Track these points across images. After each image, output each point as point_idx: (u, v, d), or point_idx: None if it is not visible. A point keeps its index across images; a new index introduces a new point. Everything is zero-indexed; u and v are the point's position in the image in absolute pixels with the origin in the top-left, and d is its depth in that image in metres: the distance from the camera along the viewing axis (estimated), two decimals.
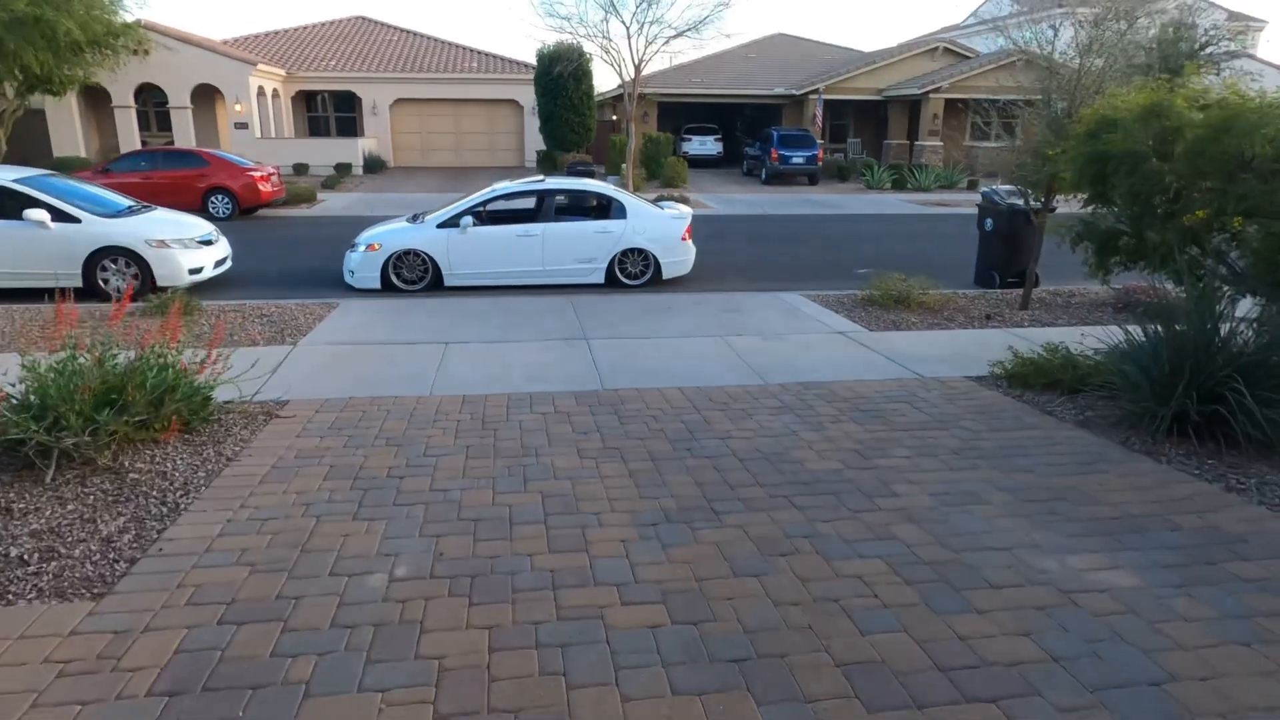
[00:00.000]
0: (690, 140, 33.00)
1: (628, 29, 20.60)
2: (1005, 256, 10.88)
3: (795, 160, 26.59)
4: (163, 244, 9.61)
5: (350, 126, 32.59)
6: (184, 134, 26.91)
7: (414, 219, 10.72)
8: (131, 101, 26.68)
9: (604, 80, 29.58)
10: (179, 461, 4.60)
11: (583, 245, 10.51)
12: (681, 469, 4.59)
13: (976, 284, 11.28)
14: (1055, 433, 5.28)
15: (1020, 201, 10.01)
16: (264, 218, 18.33)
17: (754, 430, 5.27)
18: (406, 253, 10.28)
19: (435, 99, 31.81)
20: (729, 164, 32.99)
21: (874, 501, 4.16)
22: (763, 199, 22.98)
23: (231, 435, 5.08)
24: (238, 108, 26.91)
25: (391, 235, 10.40)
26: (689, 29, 21.12)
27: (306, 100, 32.80)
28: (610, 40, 20.79)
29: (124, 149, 25.03)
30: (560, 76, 25.10)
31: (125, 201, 10.63)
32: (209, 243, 10.25)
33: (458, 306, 9.22)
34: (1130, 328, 5.62)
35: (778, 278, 11.74)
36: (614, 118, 32.99)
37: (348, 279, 10.39)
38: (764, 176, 27.36)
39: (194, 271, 9.88)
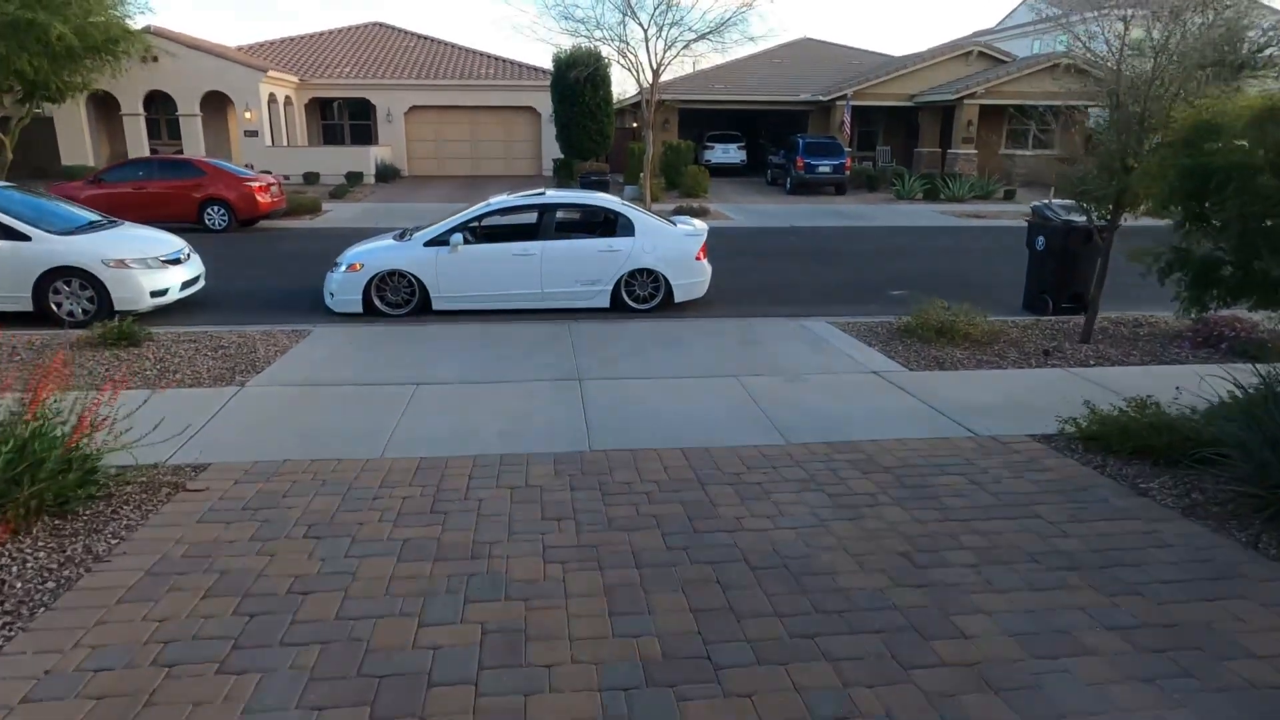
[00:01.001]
0: (713, 148, 31.93)
1: (645, 32, 19.63)
2: (1059, 279, 9.69)
3: (821, 169, 25.43)
4: (121, 264, 8.71)
5: (365, 134, 31.91)
6: (193, 142, 26.33)
7: (401, 236, 9.75)
8: (141, 109, 26.14)
9: (624, 86, 28.54)
10: (29, 564, 3.60)
11: (585, 265, 9.47)
12: (674, 583, 3.51)
13: (1026, 309, 10.10)
14: (1159, 525, 4.12)
15: (1079, 217, 8.83)
16: (264, 229, 17.52)
17: (771, 517, 4.18)
18: (391, 273, 9.30)
19: (451, 106, 31.03)
20: (753, 173, 31.88)
21: (933, 648, 3.05)
22: (787, 210, 21.86)
23: (118, 518, 4.08)
24: (247, 115, 26.27)
25: (374, 254, 9.43)
26: (710, 31, 20.10)
27: (321, 108, 32.18)
28: (628, 44, 19.69)
29: (133, 157, 24.39)
30: (576, 82, 24.16)
31: (89, 216, 9.77)
32: (176, 261, 9.34)
33: (441, 336, 8.21)
34: (1227, 371, 4.45)
35: (803, 300, 10.62)
36: (634, 125, 32.02)
37: (328, 301, 9.43)
38: (789, 186, 26.22)
39: (157, 294, 8.97)
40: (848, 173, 25.79)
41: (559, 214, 9.92)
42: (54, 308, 8.66)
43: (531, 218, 9.85)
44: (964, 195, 24.19)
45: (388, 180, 27.95)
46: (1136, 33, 7.68)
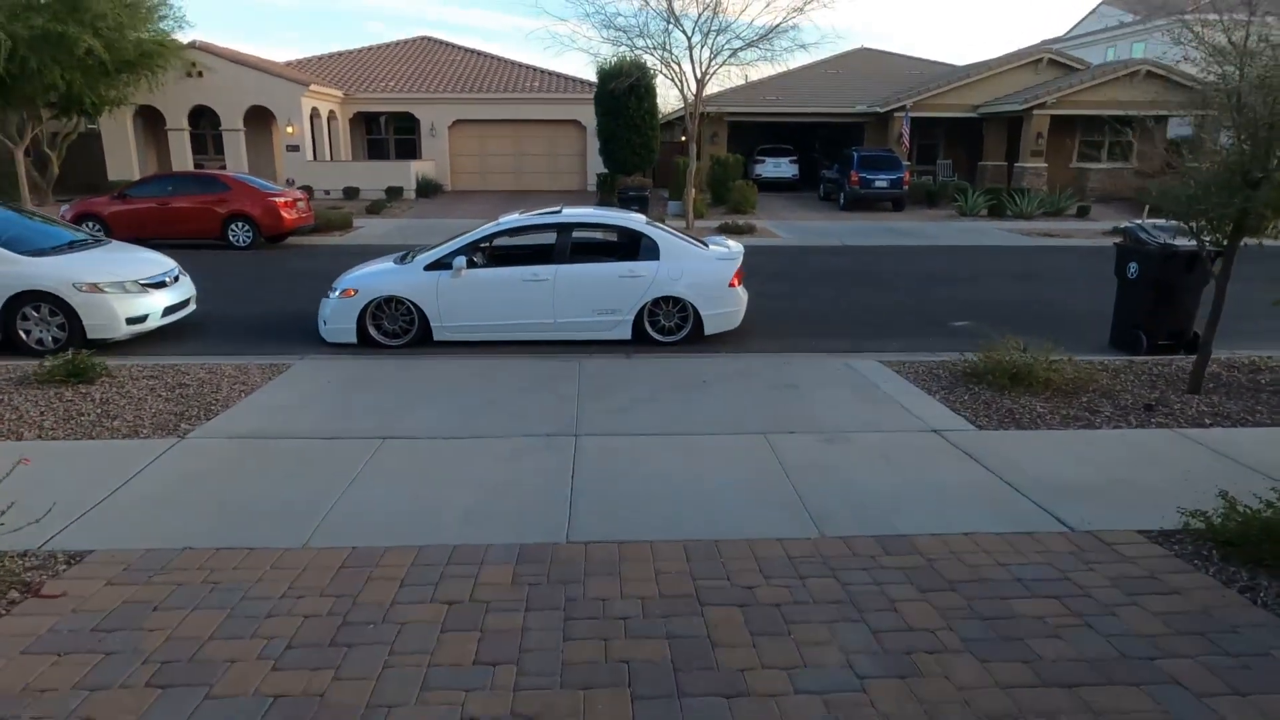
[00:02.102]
0: (763, 162, 30.70)
1: (690, 40, 18.60)
2: (1155, 312, 8.30)
3: (878, 183, 24.02)
4: (94, 288, 7.95)
5: (410, 149, 31.53)
6: (236, 157, 26.19)
7: (402, 258, 8.83)
8: (185, 124, 26.11)
9: (671, 98, 27.51)
10: None
11: (604, 292, 8.41)
12: None
13: (1114, 346, 8.70)
14: None
15: (1184, 240, 7.45)
16: (289, 247, 16.94)
17: (790, 669, 3.01)
18: (387, 300, 8.37)
19: (494, 120, 30.46)
20: (805, 188, 30.54)
21: None
22: (840, 227, 20.52)
23: None
24: (289, 130, 26.02)
25: (370, 279, 8.52)
26: (758, 40, 18.95)
27: (366, 122, 31.95)
28: (671, 53, 18.67)
29: (157, 172, 24.23)
30: (619, 93, 23.24)
31: (72, 235, 9.08)
32: (160, 285, 8.56)
33: (430, 374, 7.22)
34: None
35: (851, 332, 9.37)
36: (683, 139, 30.99)
37: (321, 330, 8.55)
38: (842, 201, 24.86)
39: (134, 321, 8.19)
40: (906, 187, 24.33)
41: (575, 234, 8.88)
42: (22, 335, 7.94)
43: (545, 239, 8.83)
44: (1032, 212, 22.52)
45: (428, 195, 27.42)
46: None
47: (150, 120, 26.95)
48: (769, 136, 31.99)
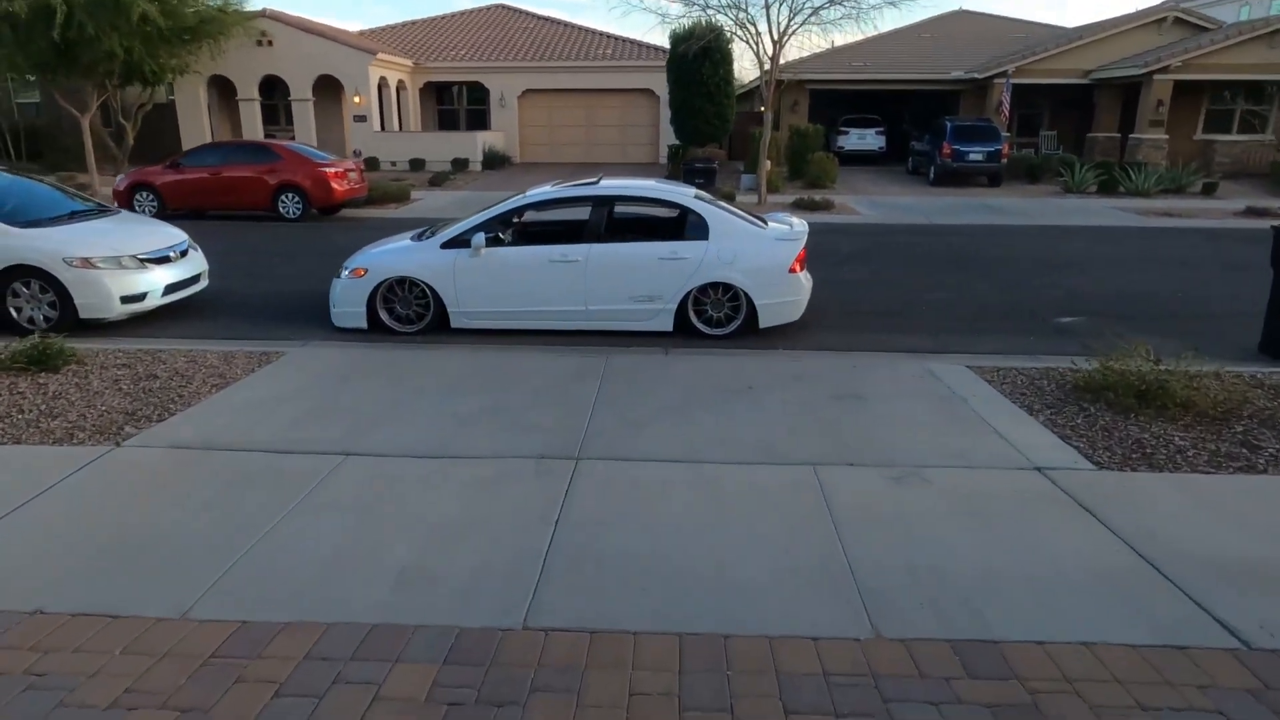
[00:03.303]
0: (847, 134, 28.79)
1: None
2: None
3: (973, 156, 21.97)
4: (86, 263, 7.28)
5: (481, 120, 30.82)
6: (305, 127, 25.96)
7: (421, 235, 7.89)
8: (256, 94, 26.00)
9: (749, 66, 25.93)
10: None
11: (642, 276, 7.28)
12: None
13: (1265, 353, 7.09)
14: None
15: None
16: (341, 219, 16.32)
17: None
18: (400, 281, 7.45)
19: (565, 89, 29.42)
20: (894, 161, 28.49)
21: None
22: (927, 204, 18.75)
23: None
24: (356, 99, 25.61)
25: (381, 257, 7.61)
26: None
27: (437, 93, 31.38)
28: (746, 12, 17.23)
29: (211, 141, 24.06)
30: (689, 57, 21.84)
31: (77, 205, 8.45)
32: (163, 260, 7.86)
33: (432, 369, 6.26)
34: None
35: (933, 327, 7.98)
36: (761, 109, 29.35)
37: (331, 314, 7.70)
38: (932, 176, 22.90)
39: (130, 300, 7.50)
40: (1004, 161, 22.18)
41: (613, 209, 7.77)
42: (13, 314, 7.35)
43: (579, 213, 7.74)
44: (1150, 189, 20.17)
45: (495, 167, 26.67)
46: None
47: (223, 90, 26.95)
48: (854, 106, 29.98)
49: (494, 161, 26.75)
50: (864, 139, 28.75)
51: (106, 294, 7.34)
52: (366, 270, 7.47)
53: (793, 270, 7.34)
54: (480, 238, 7.25)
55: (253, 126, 25.97)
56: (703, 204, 7.48)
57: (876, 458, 4.57)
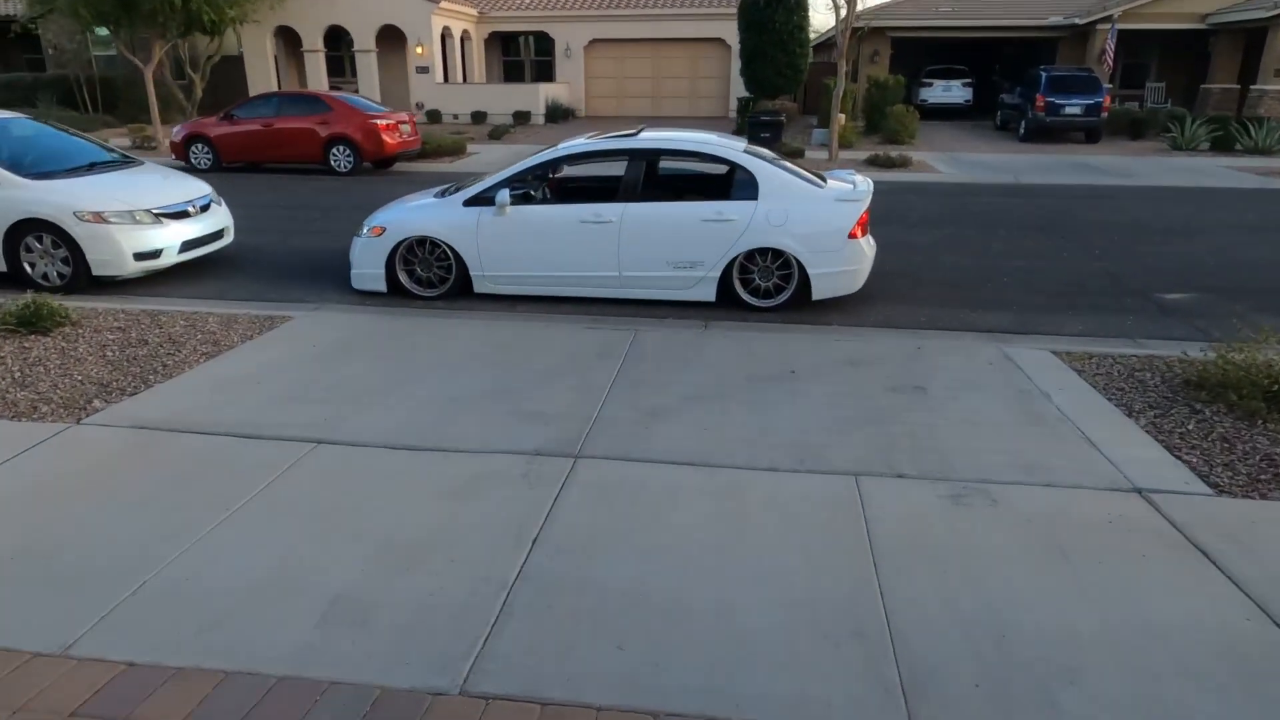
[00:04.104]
0: (931, 85, 26.96)
1: None
2: None
3: (1069, 110, 20.15)
4: (98, 218, 6.92)
5: (548, 72, 30.01)
6: (368, 79, 25.66)
7: (444, 192, 7.28)
8: (321, 45, 25.76)
9: (825, 12, 24.36)
10: None
11: (682, 239, 6.54)
12: None
13: None
14: None
15: None
16: (394, 173, 15.89)
17: None
18: (420, 241, 6.88)
19: (632, 39, 28.31)
20: (982, 115, 26.55)
21: None
22: (1016, 161, 17.24)
23: None
24: (418, 50, 25.12)
25: (400, 215, 7.04)
26: None
27: (503, 43, 30.65)
28: None
29: (265, 91, 23.86)
30: (764, 3, 20.53)
31: (100, 155, 8.12)
32: (182, 215, 7.47)
33: (443, 340, 5.68)
34: None
35: (1017, 302, 7.01)
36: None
37: (351, 275, 7.20)
38: (1023, 131, 21.16)
39: (144, 256, 7.14)
40: (1104, 115, 20.29)
41: (653, 164, 7.03)
42: (27, 269, 7.07)
43: (614, 169, 7.00)
44: (1272, 146, 18.12)
45: (558, 121, 25.92)
46: None
47: (289, 42, 26.81)
48: (940, 56, 28.05)
49: (557, 114, 26.00)
50: (949, 91, 26.89)
51: (119, 250, 6.99)
52: (384, 229, 6.92)
53: (853, 235, 6.47)
54: (505, 195, 6.60)
55: (317, 78, 25.80)
56: (752, 159, 6.64)
57: (934, 468, 3.79)
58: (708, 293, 6.64)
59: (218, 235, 7.95)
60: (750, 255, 6.54)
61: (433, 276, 6.97)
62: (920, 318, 6.56)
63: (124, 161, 8.19)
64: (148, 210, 7.21)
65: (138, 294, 6.96)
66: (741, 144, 6.93)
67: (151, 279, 7.38)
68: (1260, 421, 4.29)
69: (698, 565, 3.02)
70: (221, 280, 7.65)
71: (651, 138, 6.90)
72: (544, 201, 6.96)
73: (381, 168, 16.13)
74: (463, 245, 6.78)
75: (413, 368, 5.11)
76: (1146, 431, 4.24)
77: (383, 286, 6.99)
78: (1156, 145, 19.86)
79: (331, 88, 25.85)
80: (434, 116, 25.20)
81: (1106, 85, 21.07)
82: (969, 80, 27.05)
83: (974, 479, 3.69)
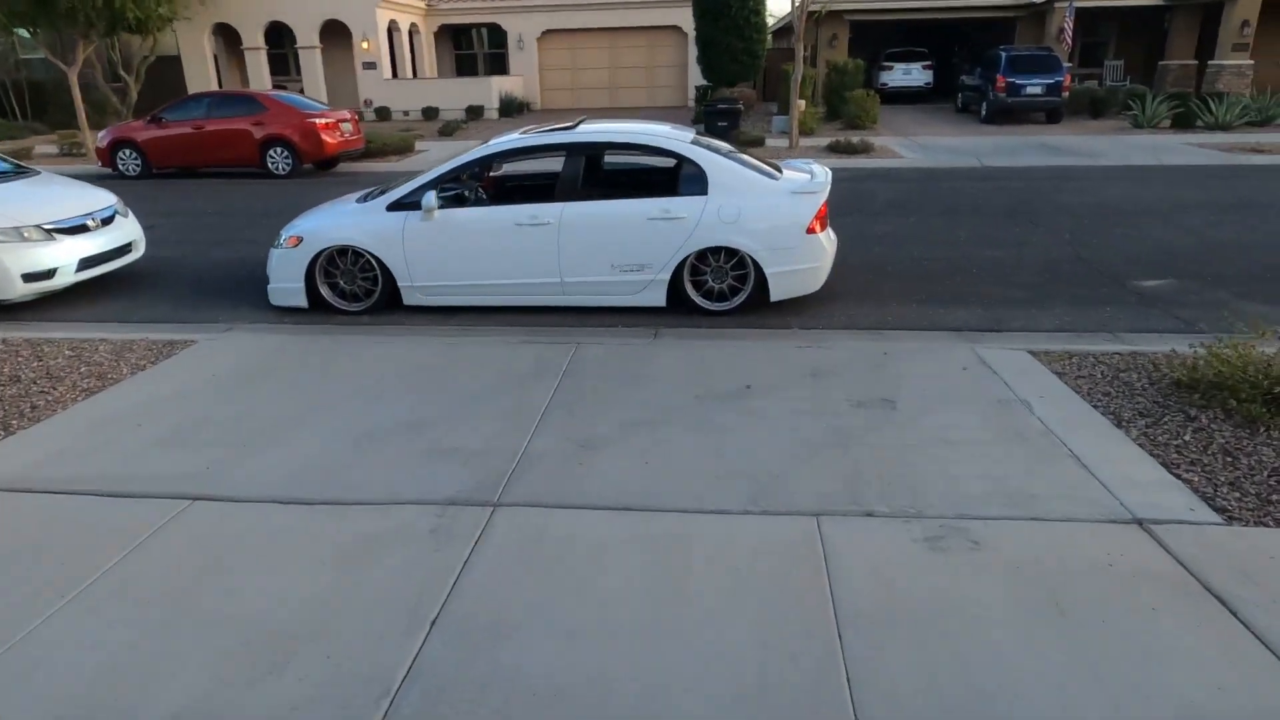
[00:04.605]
0: (891, 69, 26.60)
1: None
2: None
3: (1030, 90, 19.89)
4: None
5: (502, 65, 29.24)
6: (313, 77, 24.76)
7: (367, 196, 6.67)
8: (262, 42, 24.79)
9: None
10: None
11: (628, 241, 6.00)
12: None
13: None
14: None
15: None
16: (338, 174, 15.14)
17: None
18: (342, 251, 6.28)
19: (587, 28, 27.66)
20: (942, 98, 26.30)
21: None
22: (979, 144, 16.92)
23: None
24: (364, 45, 24.26)
25: (318, 223, 6.42)
26: None
27: (454, 36, 29.83)
28: None
29: (194, 92, 22.90)
30: None
31: None
32: (79, 230, 6.79)
33: (357, 364, 5.10)
34: None
35: (986, 295, 6.58)
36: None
37: (268, 290, 6.57)
38: (984, 113, 20.87)
39: (35, 278, 6.46)
40: (1065, 94, 20.06)
41: (593, 159, 6.51)
42: None
43: (551, 165, 6.45)
44: (1232, 121, 17.99)
45: (512, 115, 25.21)
46: None
47: (230, 40, 25.81)
48: (899, 39, 27.73)
49: (512, 108, 25.29)
50: (909, 74, 26.58)
51: (4, 272, 6.30)
52: (301, 239, 6.30)
53: (811, 230, 5.97)
54: (431, 198, 6.01)
55: (260, 77, 24.84)
56: (701, 151, 6.11)
57: (906, 503, 3.30)
58: (657, 297, 6.12)
59: (123, 250, 7.27)
60: (702, 255, 6.02)
61: (357, 289, 6.37)
62: (887, 317, 6.09)
63: (16, 172, 7.47)
64: (38, 226, 6.53)
65: (25, 320, 6.29)
66: (689, 135, 6.40)
67: (45, 302, 6.69)
68: (1263, 429, 3.86)
69: (629, 646, 2.50)
70: (126, 300, 6.98)
71: (591, 130, 6.34)
72: (476, 203, 6.38)
73: (324, 169, 15.40)
74: (388, 254, 6.19)
75: (323, 397, 4.53)
76: (1140, 445, 3.79)
77: (303, 301, 6.38)
78: (1118, 124, 19.67)
79: (275, 87, 24.91)
80: (383, 114, 24.38)
81: (1066, 64, 20.83)
82: (929, 63, 26.76)
83: (952, 515, 3.21)
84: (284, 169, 14.44)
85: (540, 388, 4.59)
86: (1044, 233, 8.75)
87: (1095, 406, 4.23)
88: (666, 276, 6.04)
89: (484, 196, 6.66)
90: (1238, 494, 3.34)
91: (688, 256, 5.99)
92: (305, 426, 4.14)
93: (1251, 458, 3.62)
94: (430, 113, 24.21)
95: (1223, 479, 3.46)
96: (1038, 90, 19.91)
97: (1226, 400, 4.07)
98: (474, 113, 24.10)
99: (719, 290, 6.13)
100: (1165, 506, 3.25)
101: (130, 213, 7.57)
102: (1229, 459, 3.62)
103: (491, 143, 6.41)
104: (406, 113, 24.50)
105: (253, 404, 4.44)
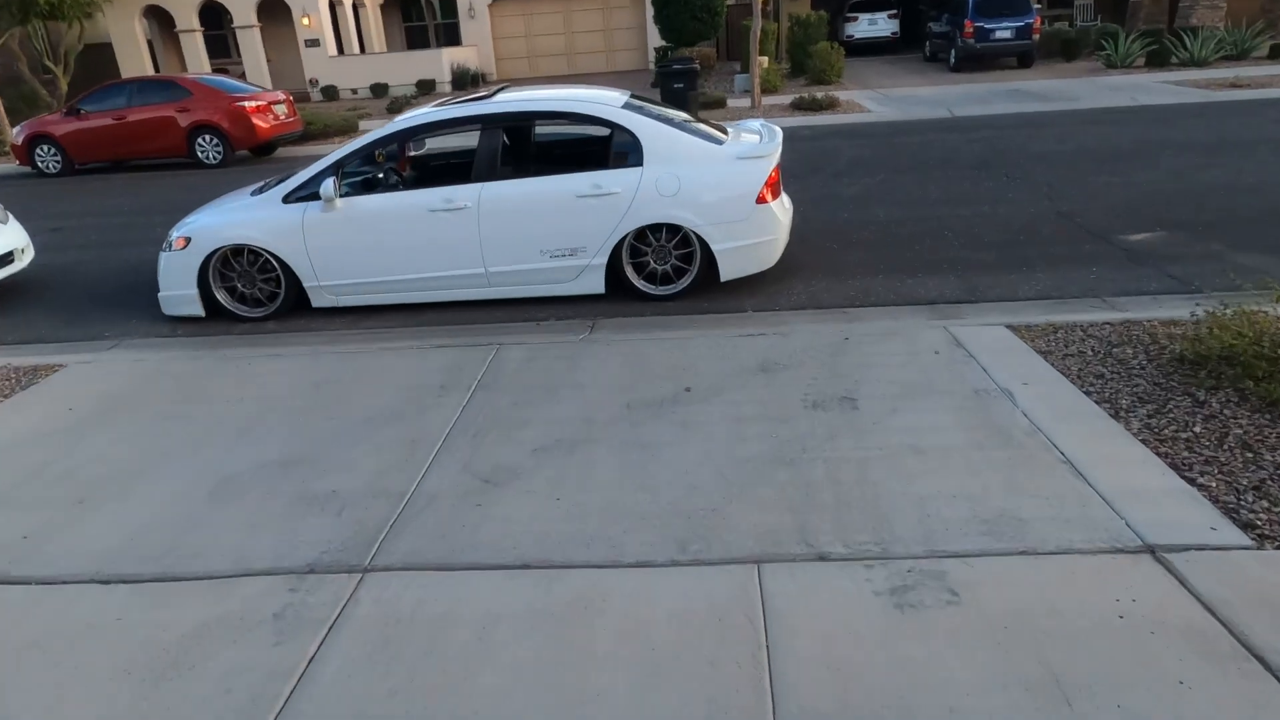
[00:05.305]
0: (856, 19, 25.70)
1: None
2: None
3: (999, 34, 19.13)
4: None
5: (456, 36, 28.04)
6: (253, 57, 23.58)
7: (263, 187, 5.93)
8: (196, 24, 23.54)
9: None
10: None
11: (558, 223, 5.33)
12: None
13: None
14: None
15: None
16: (276, 160, 14.24)
17: None
18: (237, 251, 5.55)
19: None
20: (910, 47, 25.48)
21: None
22: (949, 94, 16.20)
23: None
24: (305, 22, 23.10)
25: (209, 221, 5.69)
26: None
27: (403, 8, 28.59)
28: None
29: (112, 80, 21.81)
30: None
31: None
32: None
33: (240, 386, 4.42)
34: None
35: (960, 260, 5.96)
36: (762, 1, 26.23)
37: (160, 298, 5.84)
38: (953, 61, 20.12)
39: None
40: (1036, 37, 19.33)
41: (516, 132, 5.80)
42: None
43: (467, 142, 5.74)
44: (1208, 57, 17.36)
45: (465, 87, 24.16)
46: None
47: (165, 23, 24.53)
48: None
49: (465, 80, 24.24)
50: (875, 25, 25.68)
51: None
52: (190, 239, 5.58)
53: (762, 200, 5.31)
54: (329, 186, 5.29)
55: (197, 60, 23.64)
56: (634, 116, 5.40)
57: (867, 538, 2.70)
58: (595, 284, 5.46)
59: (4, 260, 6.50)
60: (641, 234, 5.36)
61: (259, 293, 5.66)
62: (850, 291, 5.47)
63: None
64: None
65: None
66: (620, 98, 5.69)
67: None
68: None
69: None
70: (13, 311, 6.23)
71: (509, 100, 5.61)
72: (382, 189, 5.67)
73: (262, 155, 14.48)
74: (288, 252, 5.48)
75: (190, 432, 3.86)
76: (1142, 440, 3.20)
77: (198, 309, 5.68)
78: (1091, 65, 19.00)
79: (216, 70, 23.71)
80: (331, 93, 23.31)
81: (1035, 5, 20.06)
82: (894, 11, 25.86)
83: (923, 552, 2.61)
84: (215, 158, 13.53)
85: (446, 405, 3.93)
86: (1020, 186, 8.11)
87: (1087, 393, 3.63)
88: (603, 260, 5.38)
89: (397, 181, 5.95)
90: (1266, 502, 2.76)
91: (625, 236, 5.32)
92: (160, 472, 3.48)
93: (1277, 452, 3.03)
94: (379, 89, 23.16)
95: (1245, 482, 2.88)
96: (1007, 34, 19.16)
97: (1240, 379, 3.49)
98: (425, 87, 23.07)
99: (663, 272, 5.47)
100: (1180, 525, 2.66)
101: (11, 217, 6.80)
102: (1250, 455, 3.04)
103: (398, 119, 5.69)
104: (355, 91, 23.43)
105: (104, 446, 3.77)
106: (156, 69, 24.11)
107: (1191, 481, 2.91)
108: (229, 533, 3.00)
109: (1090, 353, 4.05)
